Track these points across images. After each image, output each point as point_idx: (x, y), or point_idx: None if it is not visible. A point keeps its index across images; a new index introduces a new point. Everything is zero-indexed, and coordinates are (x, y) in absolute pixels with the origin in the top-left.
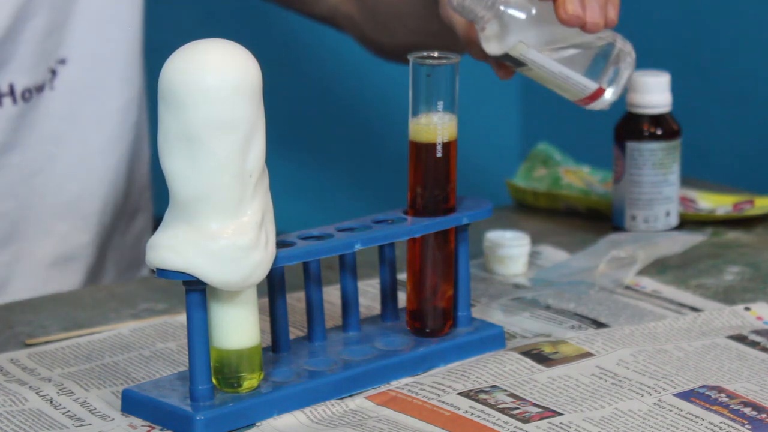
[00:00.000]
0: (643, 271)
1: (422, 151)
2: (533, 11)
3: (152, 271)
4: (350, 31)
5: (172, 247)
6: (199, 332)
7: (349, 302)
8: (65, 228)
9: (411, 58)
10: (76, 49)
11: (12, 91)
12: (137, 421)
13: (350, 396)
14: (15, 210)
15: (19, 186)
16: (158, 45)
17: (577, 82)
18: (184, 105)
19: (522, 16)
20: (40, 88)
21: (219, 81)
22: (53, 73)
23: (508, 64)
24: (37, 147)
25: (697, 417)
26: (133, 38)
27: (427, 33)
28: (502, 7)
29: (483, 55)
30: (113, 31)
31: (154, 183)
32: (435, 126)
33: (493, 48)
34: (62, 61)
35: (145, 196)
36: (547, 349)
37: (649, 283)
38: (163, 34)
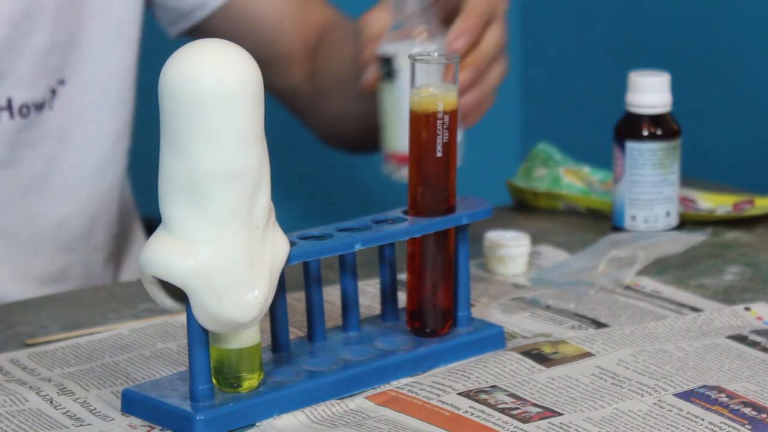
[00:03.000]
0: (643, 271)
1: (422, 148)
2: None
3: None
4: (297, 107)
5: (174, 277)
6: (198, 332)
7: (349, 302)
8: (54, 248)
9: (411, 58)
10: (76, 70)
11: (10, 106)
12: (137, 421)
13: (350, 396)
14: (7, 228)
15: (12, 204)
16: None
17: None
18: (188, 153)
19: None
20: (39, 107)
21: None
22: (53, 93)
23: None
24: (34, 166)
25: (697, 417)
26: (130, 63)
27: (362, 103)
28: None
29: None
30: (113, 54)
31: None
32: (435, 96)
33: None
34: (62, 82)
35: (134, 221)
36: (547, 349)
37: (649, 283)
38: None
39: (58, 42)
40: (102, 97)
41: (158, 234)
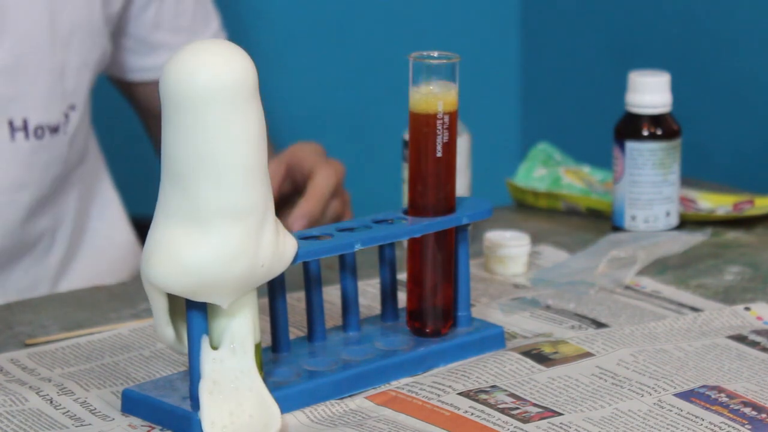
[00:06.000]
0: (643, 271)
1: (422, 148)
2: None
3: None
4: None
5: (173, 284)
6: (199, 332)
7: (349, 302)
8: (29, 261)
9: (411, 58)
10: (83, 95)
11: (26, 126)
12: (137, 421)
13: (350, 396)
14: (7, 248)
15: (17, 226)
16: None
17: None
18: (191, 187)
19: None
20: (54, 130)
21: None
22: (66, 117)
23: None
24: (42, 188)
25: (697, 417)
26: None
27: None
28: None
29: None
30: (90, 81)
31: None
32: (435, 95)
33: None
34: (72, 107)
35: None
36: (547, 349)
37: (649, 283)
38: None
39: (72, 65)
40: (87, 121)
41: (154, 250)
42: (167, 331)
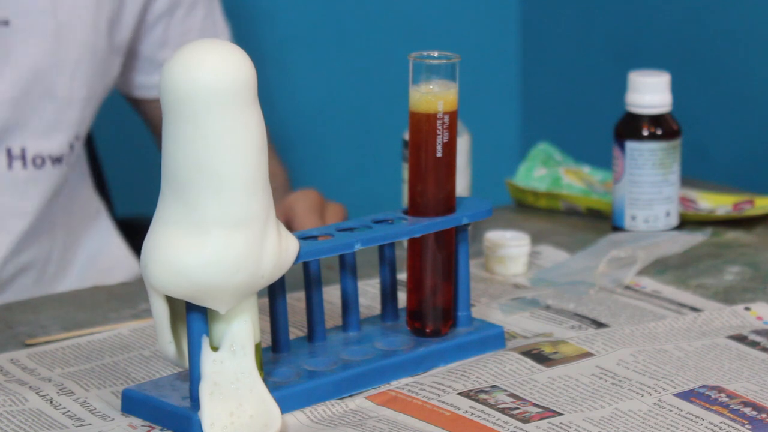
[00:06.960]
0: (643, 271)
1: (422, 148)
2: None
3: None
4: None
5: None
6: (198, 332)
7: (349, 302)
8: (25, 281)
9: (411, 58)
10: (86, 125)
11: (23, 155)
12: (137, 421)
13: (350, 396)
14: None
15: (10, 251)
16: None
17: None
18: (194, 196)
19: None
20: (58, 160)
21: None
22: (72, 148)
23: None
24: (38, 214)
25: (697, 417)
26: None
27: None
28: None
29: None
30: (95, 111)
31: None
32: (435, 95)
33: None
34: (77, 137)
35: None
36: (547, 349)
37: (649, 283)
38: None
39: (78, 96)
40: (82, 151)
41: (154, 254)
42: (169, 348)
